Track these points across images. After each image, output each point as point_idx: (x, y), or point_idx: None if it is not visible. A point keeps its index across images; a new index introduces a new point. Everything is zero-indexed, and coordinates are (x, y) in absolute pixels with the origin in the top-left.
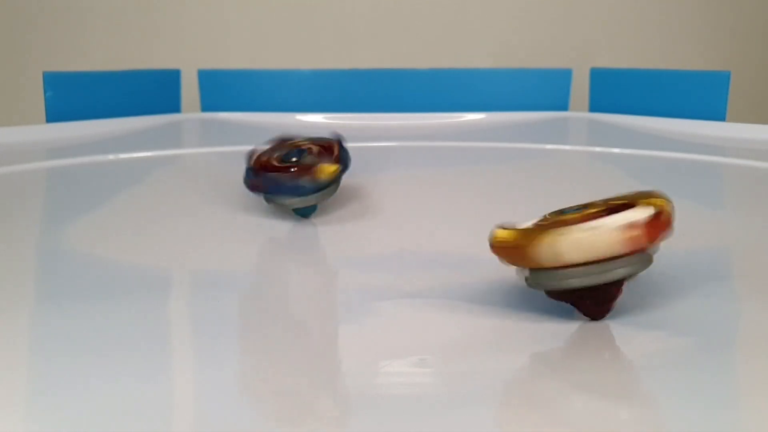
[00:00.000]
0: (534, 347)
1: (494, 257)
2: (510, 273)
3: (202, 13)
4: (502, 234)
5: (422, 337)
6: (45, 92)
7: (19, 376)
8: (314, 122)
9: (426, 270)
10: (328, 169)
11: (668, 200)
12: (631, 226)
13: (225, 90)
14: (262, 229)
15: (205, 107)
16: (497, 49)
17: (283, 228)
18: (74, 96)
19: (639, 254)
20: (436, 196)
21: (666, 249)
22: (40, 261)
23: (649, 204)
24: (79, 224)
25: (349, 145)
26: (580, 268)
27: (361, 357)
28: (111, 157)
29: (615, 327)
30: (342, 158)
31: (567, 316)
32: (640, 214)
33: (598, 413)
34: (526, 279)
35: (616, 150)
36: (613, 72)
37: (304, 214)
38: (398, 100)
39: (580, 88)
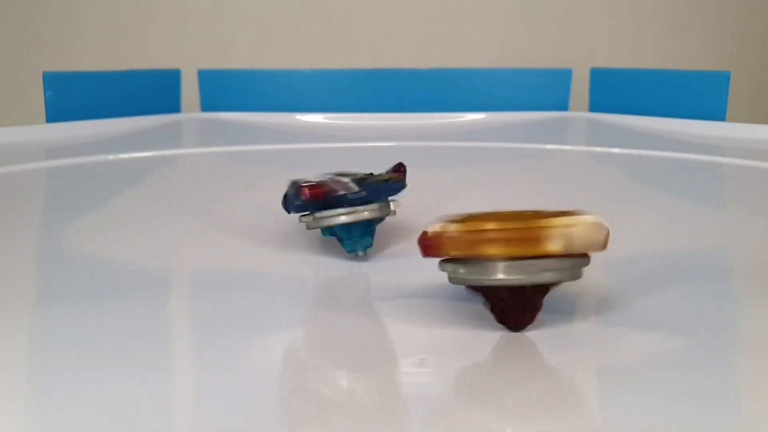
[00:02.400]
0: (534, 348)
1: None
2: None
3: (202, 13)
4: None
5: (422, 338)
6: (45, 92)
7: (19, 376)
8: (314, 122)
9: (425, 270)
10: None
11: (539, 224)
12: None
13: (225, 90)
14: (261, 227)
15: (205, 107)
16: (497, 49)
17: (282, 227)
18: (74, 96)
19: (575, 261)
20: (436, 196)
21: (666, 248)
22: (40, 261)
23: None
24: (79, 224)
25: (349, 145)
26: (517, 263)
27: (360, 357)
28: (111, 157)
29: (611, 327)
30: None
31: (566, 315)
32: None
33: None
34: (450, 274)
35: (616, 150)
36: (613, 72)
37: (355, 248)
38: (398, 100)
39: (580, 88)
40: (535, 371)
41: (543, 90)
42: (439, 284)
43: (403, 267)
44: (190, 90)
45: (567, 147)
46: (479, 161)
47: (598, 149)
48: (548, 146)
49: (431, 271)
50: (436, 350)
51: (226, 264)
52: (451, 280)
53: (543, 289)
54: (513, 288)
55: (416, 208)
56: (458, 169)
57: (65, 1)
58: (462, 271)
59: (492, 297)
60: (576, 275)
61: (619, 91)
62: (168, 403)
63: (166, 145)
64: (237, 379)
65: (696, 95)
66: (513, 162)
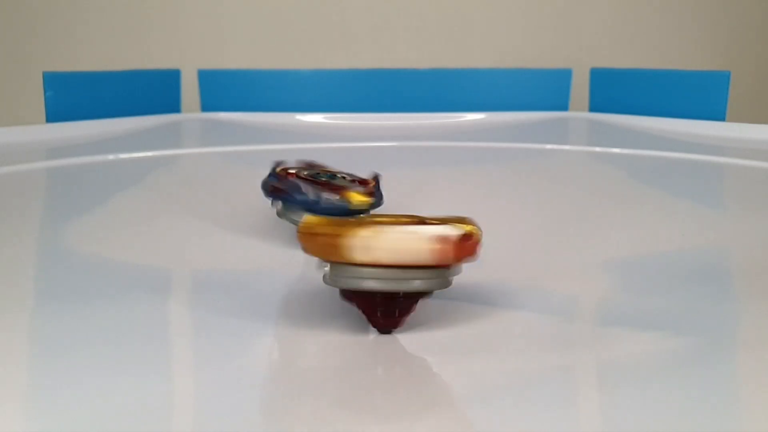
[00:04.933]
0: (535, 347)
1: (494, 256)
2: (511, 271)
3: (202, 13)
4: (312, 220)
5: (422, 338)
6: (45, 92)
7: (20, 376)
8: (314, 122)
9: None
10: (358, 197)
11: (479, 228)
12: (443, 239)
13: (225, 90)
14: (261, 228)
15: (205, 107)
16: (497, 49)
17: (282, 227)
18: (74, 96)
19: (439, 271)
20: (436, 197)
21: (665, 248)
22: (40, 261)
23: (460, 227)
24: (79, 224)
25: (349, 145)
26: (379, 270)
27: (360, 357)
28: (111, 157)
29: (610, 327)
30: (376, 194)
31: (565, 315)
32: (452, 231)
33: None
34: (324, 275)
35: (616, 150)
36: (613, 72)
37: None
38: (398, 100)
39: (580, 88)
40: (534, 372)
41: (543, 90)
42: None
43: None
44: (190, 90)
45: (567, 147)
46: (479, 161)
47: (598, 149)
48: (548, 146)
49: None
50: (436, 351)
51: (225, 264)
52: (329, 281)
53: (414, 295)
54: (383, 293)
55: (416, 208)
56: (458, 169)
57: (65, 1)
58: (328, 272)
59: (369, 304)
60: (443, 285)
61: (619, 91)
62: (166, 402)
63: (166, 145)
64: (236, 379)
65: (696, 95)
66: (513, 162)
